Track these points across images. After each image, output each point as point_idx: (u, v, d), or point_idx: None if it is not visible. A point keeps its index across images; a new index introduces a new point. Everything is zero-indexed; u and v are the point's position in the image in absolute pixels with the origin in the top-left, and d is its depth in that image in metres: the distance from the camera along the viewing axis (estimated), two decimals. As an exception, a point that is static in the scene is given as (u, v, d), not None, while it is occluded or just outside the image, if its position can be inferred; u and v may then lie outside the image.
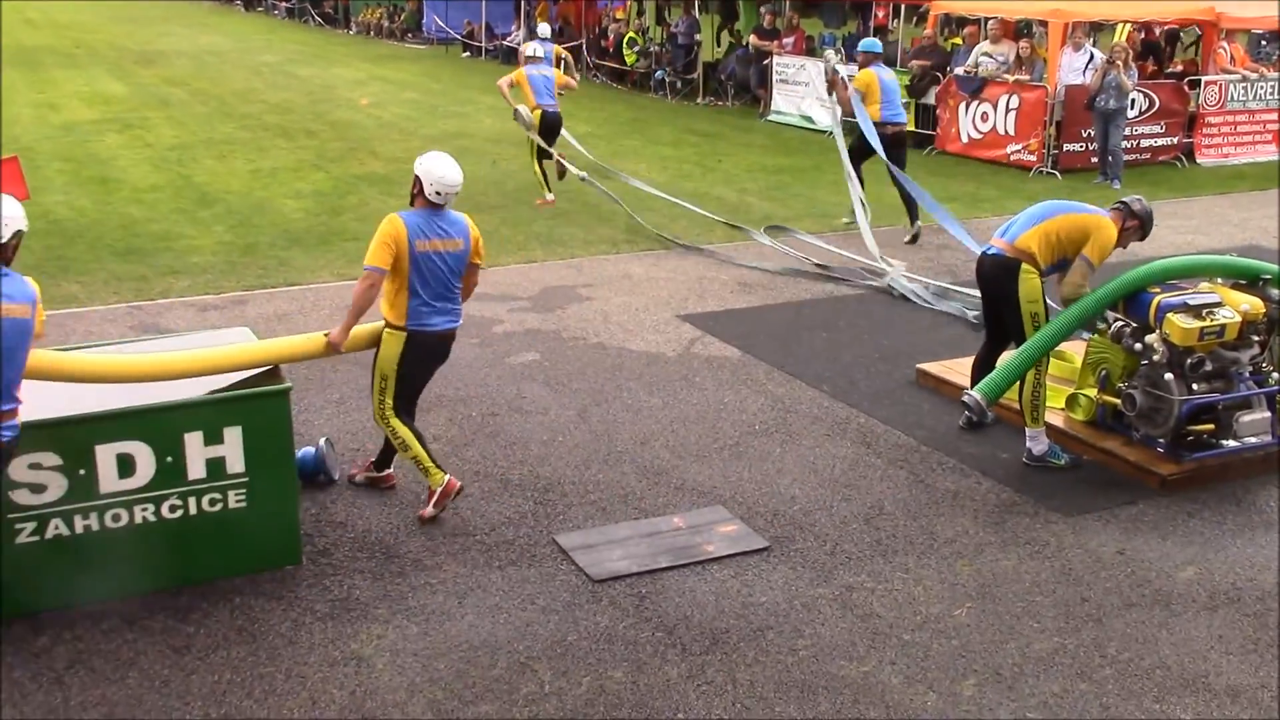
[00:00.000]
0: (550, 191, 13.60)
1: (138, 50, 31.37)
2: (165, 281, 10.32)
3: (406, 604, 5.40)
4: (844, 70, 12.65)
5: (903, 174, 11.90)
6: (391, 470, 6.52)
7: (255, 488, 5.51)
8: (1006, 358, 7.03)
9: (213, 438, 5.39)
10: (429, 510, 6.15)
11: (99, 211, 12.99)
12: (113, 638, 5.10)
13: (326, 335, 5.99)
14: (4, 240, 4.57)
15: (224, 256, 11.22)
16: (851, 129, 12.57)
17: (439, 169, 5.99)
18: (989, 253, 7.10)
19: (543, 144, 13.46)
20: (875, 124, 12.06)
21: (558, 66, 15.08)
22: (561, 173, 13.78)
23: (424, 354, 6.13)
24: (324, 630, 5.19)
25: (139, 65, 27.61)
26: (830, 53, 14.16)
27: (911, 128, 18.08)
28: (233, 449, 5.43)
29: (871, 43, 13.09)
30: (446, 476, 6.17)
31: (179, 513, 5.40)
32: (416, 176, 6.01)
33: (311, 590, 5.50)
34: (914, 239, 12.15)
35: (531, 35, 14.64)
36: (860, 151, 12.34)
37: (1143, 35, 19.53)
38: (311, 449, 6.52)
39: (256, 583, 5.52)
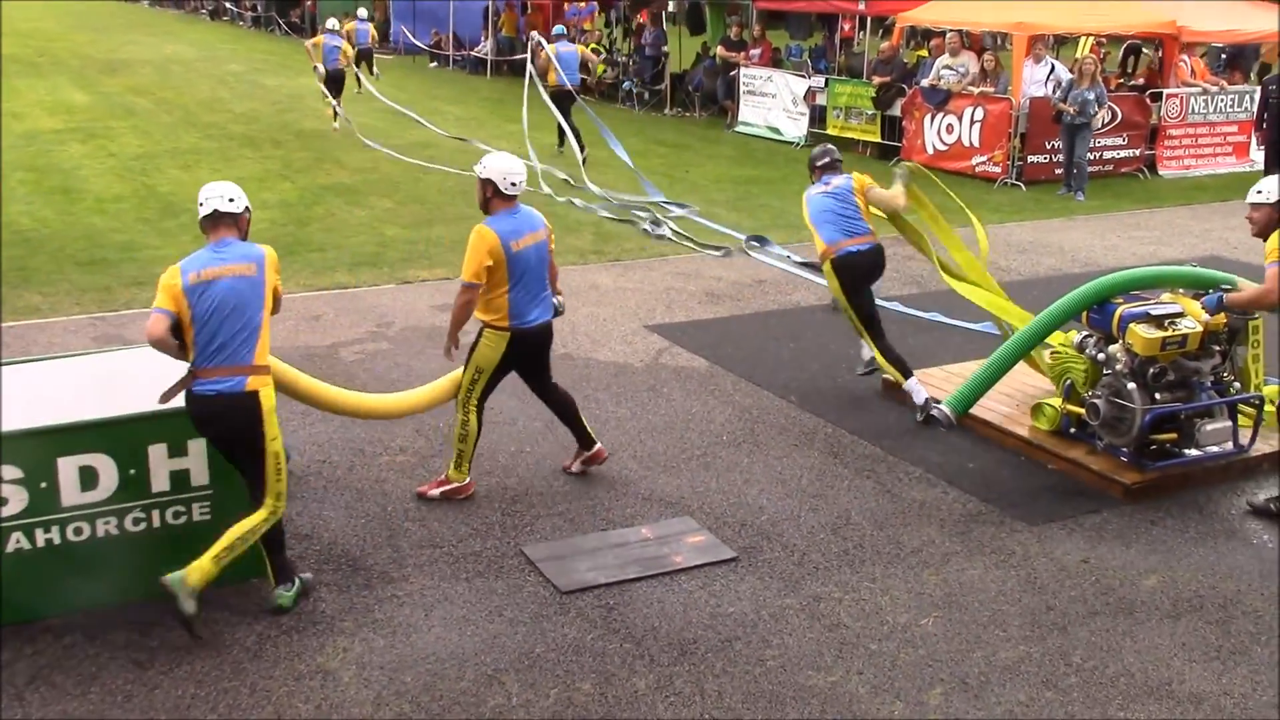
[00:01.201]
0: (334, 105, 19.74)
1: (101, 59, 31.11)
2: (129, 292, 10.24)
3: (373, 616, 5.37)
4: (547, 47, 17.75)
5: (568, 121, 16.52)
6: (600, 445, 6.85)
7: (219, 500, 5.47)
8: (974, 370, 7.12)
9: (176, 450, 5.35)
10: (431, 491, 6.52)
11: (62, 222, 12.87)
12: (74, 652, 5.04)
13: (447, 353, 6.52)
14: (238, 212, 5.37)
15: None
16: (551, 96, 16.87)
17: (504, 163, 6.24)
18: (867, 249, 7.79)
19: (326, 91, 19.72)
20: (556, 86, 17.02)
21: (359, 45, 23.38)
22: (335, 115, 19.77)
23: (525, 349, 6.39)
24: (289, 644, 5.15)
25: (103, 74, 27.38)
26: (534, 32, 20.46)
27: (877, 139, 18.26)
28: (196, 461, 5.39)
29: (560, 28, 19.54)
30: (469, 479, 6.53)
31: (142, 525, 5.35)
32: (486, 180, 6.21)
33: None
34: (583, 161, 16.16)
35: (341, 18, 22.58)
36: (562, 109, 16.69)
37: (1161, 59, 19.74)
38: None
39: (221, 596, 5.47)
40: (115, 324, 9.38)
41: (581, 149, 16.54)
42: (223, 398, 5.07)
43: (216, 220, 5.37)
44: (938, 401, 7.30)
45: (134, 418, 5.29)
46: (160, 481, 5.34)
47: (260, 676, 4.92)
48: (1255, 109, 17.68)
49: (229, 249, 5.30)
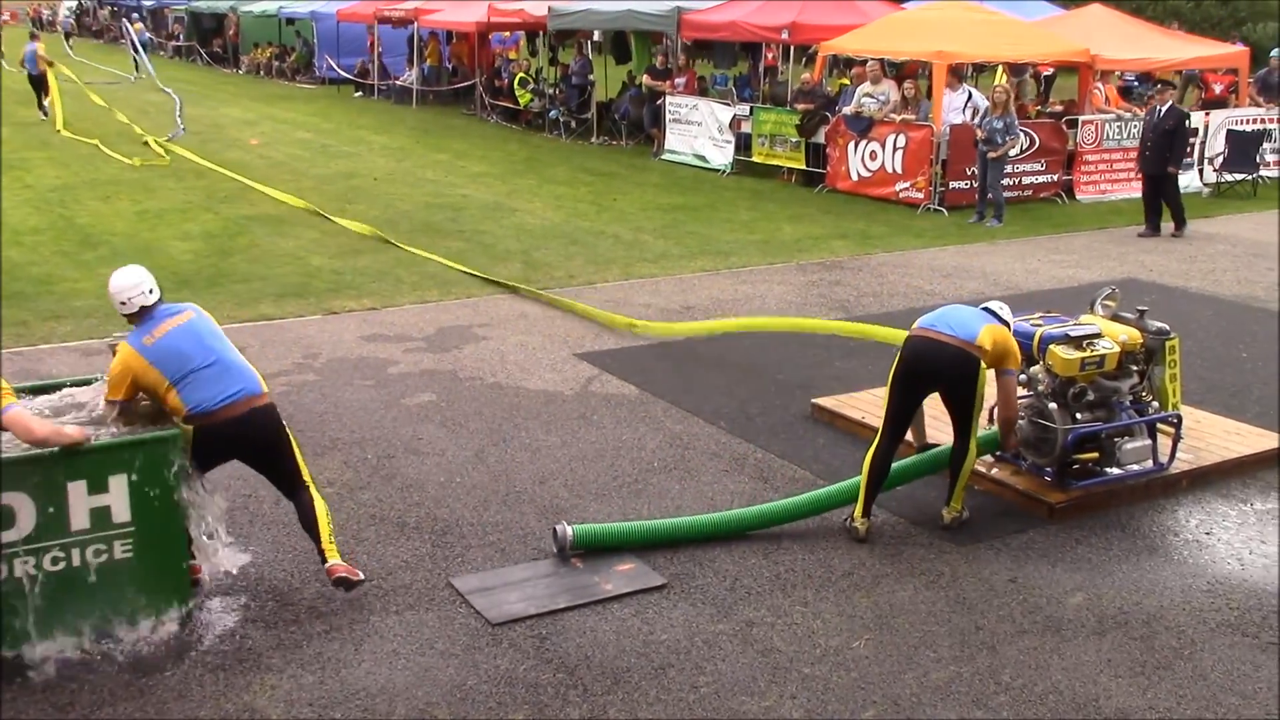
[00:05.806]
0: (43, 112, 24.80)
1: (18, 89, 30.52)
2: (47, 326, 10.03)
3: (302, 652, 5.28)
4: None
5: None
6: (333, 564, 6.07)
7: (142, 537, 5.35)
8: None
9: (97, 486, 5.22)
10: None
11: (-24, 255, 12.59)
12: (-9, 697, 4.91)
13: None
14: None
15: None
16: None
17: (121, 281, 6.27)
18: (945, 342, 6.37)
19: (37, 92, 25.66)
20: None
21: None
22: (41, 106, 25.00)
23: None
24: (215, 682, 5.05)
25: (19, 105, 26.88)
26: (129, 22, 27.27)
27: (802, 166, 18.47)
28: (118, 498, 5.27)
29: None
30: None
31: (62, 565, 5.22)
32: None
33: (202, 641, 5.35)
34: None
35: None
36: None
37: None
38: None
39: (143, 634, 5.35)
40: (32, 358, 9.17)
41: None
42: None
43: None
44: (859, 509, 6.57)
45: (52, 454, 5.17)
46: (80, 519, 5.21)
47: (186, 717, 4.81)
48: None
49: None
